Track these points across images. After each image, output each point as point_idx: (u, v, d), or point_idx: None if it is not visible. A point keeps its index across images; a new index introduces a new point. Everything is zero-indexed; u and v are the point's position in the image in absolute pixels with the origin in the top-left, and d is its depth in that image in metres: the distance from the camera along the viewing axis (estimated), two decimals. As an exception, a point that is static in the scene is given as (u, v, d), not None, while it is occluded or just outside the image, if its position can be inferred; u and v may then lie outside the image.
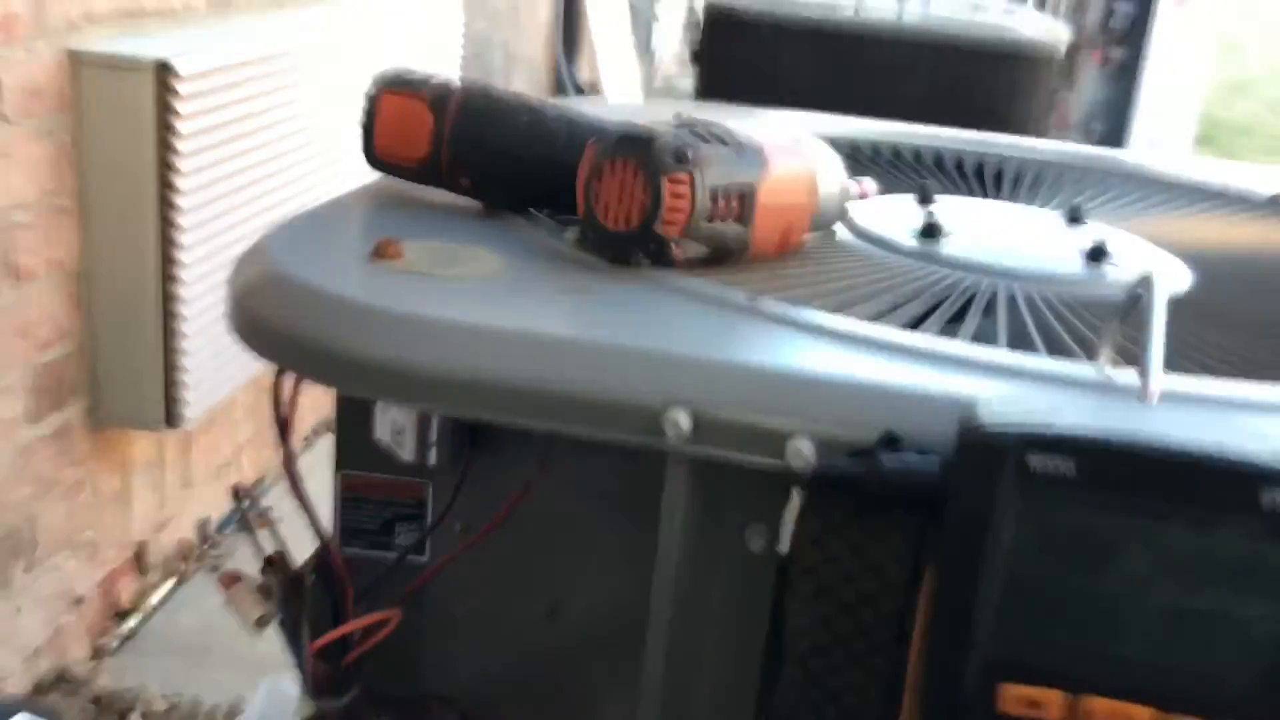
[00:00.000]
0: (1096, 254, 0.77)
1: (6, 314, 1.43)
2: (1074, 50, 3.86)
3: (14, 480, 1.48)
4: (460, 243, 0.65)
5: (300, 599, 0.63)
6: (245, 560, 2.02)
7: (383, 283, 0.59)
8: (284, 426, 0.64)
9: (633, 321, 0.57)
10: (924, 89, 1.98)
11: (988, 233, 0.83)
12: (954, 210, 0.86)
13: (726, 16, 2.10)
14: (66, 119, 1.47)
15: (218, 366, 1.69)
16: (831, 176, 0.71)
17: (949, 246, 0.79)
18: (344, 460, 0.82)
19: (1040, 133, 2.10)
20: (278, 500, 0.69)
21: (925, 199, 0.88)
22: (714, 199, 0.62)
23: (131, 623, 1.74)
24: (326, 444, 1.91)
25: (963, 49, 1.95)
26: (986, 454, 0.45)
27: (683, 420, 0.52)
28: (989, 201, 0.94)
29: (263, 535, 0.68)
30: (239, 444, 2.05)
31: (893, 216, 0.84)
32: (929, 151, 1.07)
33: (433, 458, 0.75)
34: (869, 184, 0.80)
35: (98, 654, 1.68)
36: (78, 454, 1.60)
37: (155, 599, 1.80)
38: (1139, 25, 3.86)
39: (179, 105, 1.49)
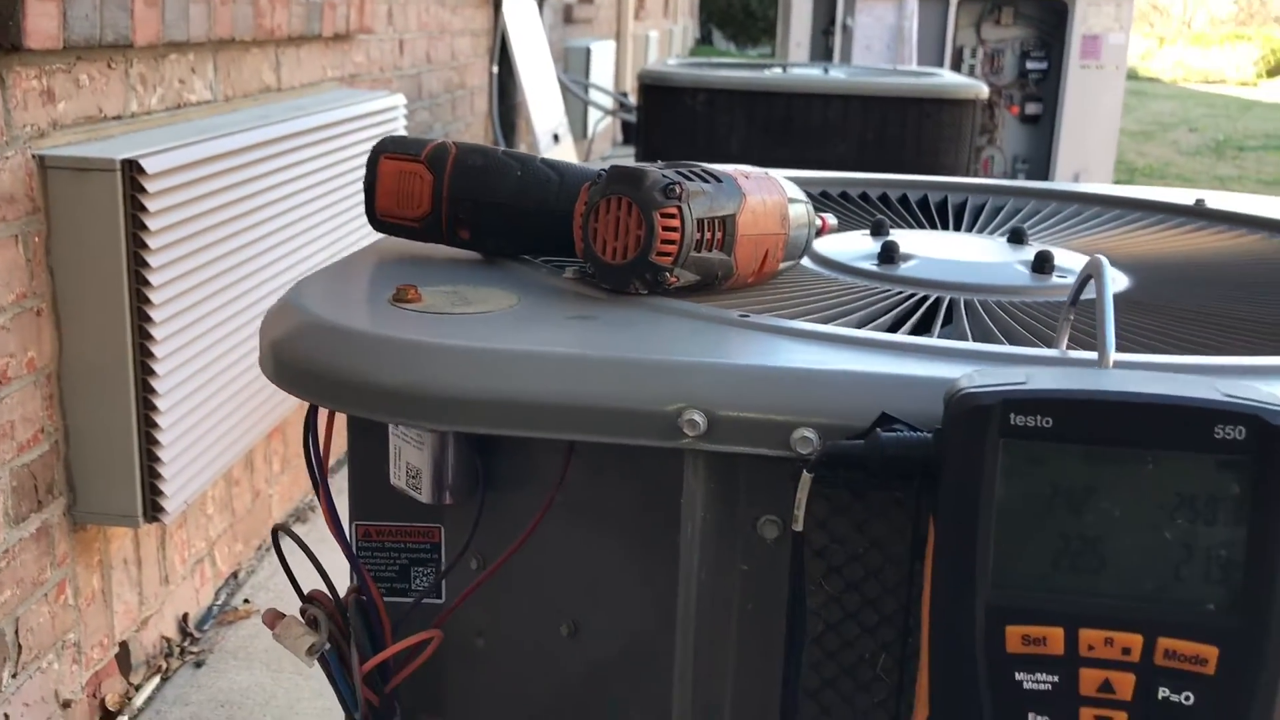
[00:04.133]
0: (1041, 264, 0.85)
1: (-12, 415, 1.45)
2: (992, 105, 4.05)
3: None
4: (470, 286, 0.71)
5: (345, 628, 0.67)
6: (225, 655, 2.01)
7: (409, 320, 0.64)
8: (321, 465, 0.68)
9: (640, 337, 0.63)
10: (854, 142, 2.09)
11: (940, 255, 0.90)
12: (906, 239, 0.93)
13: (660, 86, 2.20)
14: (38, 222, 1.51)
15: (195, 457, 1.72)
16: (799, 208, 0.78)
17: (907, 269, 0.86)
18: (359, 511, 0.85)
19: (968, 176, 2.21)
20: (309, 538, 0.73)
21: (878, 231, 0.96)
22: (700, 229, 0.68)
23: (118, 723, 1.73)
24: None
25: (889, 100, 2.07)
26: (972, 415, 0.51)
27: (699, 419, 0.58)
28: (936, 231, 1.02)
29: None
30: (212, 539, 2.05)
31: (851, 247, 0.91)
32: (874, 192, 1.15)
33: (448, 497, 0.80)
34: (829, 219, 0.87)
35: (86, 757, 1.66)
36: (59, 554, 1.60)
37: (140, 699, 1.79)
38: (1051, 80, 4.06)
39: (148, 202, 1.54)
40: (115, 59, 1.64)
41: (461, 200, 0.75)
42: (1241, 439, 0.49)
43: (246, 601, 2.07)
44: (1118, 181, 4.97)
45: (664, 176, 0.67)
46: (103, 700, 1.73)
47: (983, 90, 2.34)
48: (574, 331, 0.64)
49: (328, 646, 0.66)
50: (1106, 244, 0.97)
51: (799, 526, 0.56)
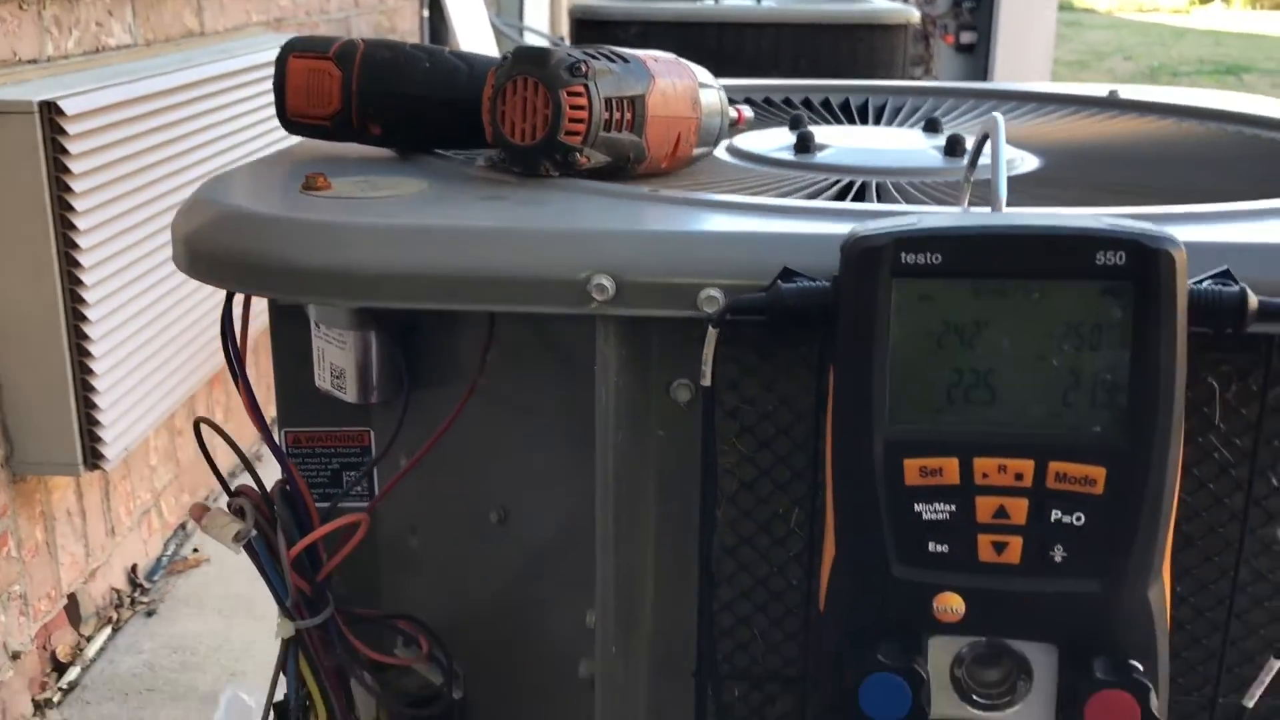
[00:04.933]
0: (952, 147, 0.87)
1: (-85, 364, 1.43)
2: (926, 34, 4.07)
3: (-62, 531, 1.47)
4: (381, 175, 0.71)
5: (272, 516, 0.67)
6: (177, 603, 2.00)
7: (319, 204, 0.64)
8: (239, 358, 0.69)
9: (550, 212, 0.64)
10: (786, 69, 2.09)
11: (855, 145, 0.91)
12: (823, 133, 0.95)
13: (592, 18, 2.18)
14: (-44, 168, 1.48)
15: (134, 404, 1.70)
16: (711, 94, 0.79)
17: (822, 157, 0.87)
18: (286, 417, 0.86)
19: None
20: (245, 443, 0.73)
21: (795, 125, 0.97)
22: (609, 109, 0.69)
23: (72, 674, 1.73)
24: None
25: (819, 27, 2.07)
26: (865, 256, 0.52)
27: (607, 284, 0.59)
28: (855, 127, 1.04)
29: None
30: (157, 490, 2.04)
31: (769, 140, 0.92)
32: (797, 95, 1.16)
33: (374, 396, 0.80)
34: (745, 110, 0.88)
35: (40, 708, 1.66)
36: (-1, 505, 1.59)
37: (93, 650, 1.79)
38: (984, 8, 4.08)
39: (69, 145, 1.51)
40: (26, 0, 1.61)
41: (371, 94, 0.75)
42: (1122, 264, 0.51)
43: (195, 550, 2.06)
44: (1055, 114, 5.01)
45: (569, 55, 0.68)
46: (53, 652, 1.73)
47: (914, 15, 2.35)
48: (485, 209, 0.64)
49: (254, 534, 0.66)
50: (1020, 131, 0.99)
51: (707, 381, 0.58)
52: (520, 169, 0.70)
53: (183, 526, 2.12)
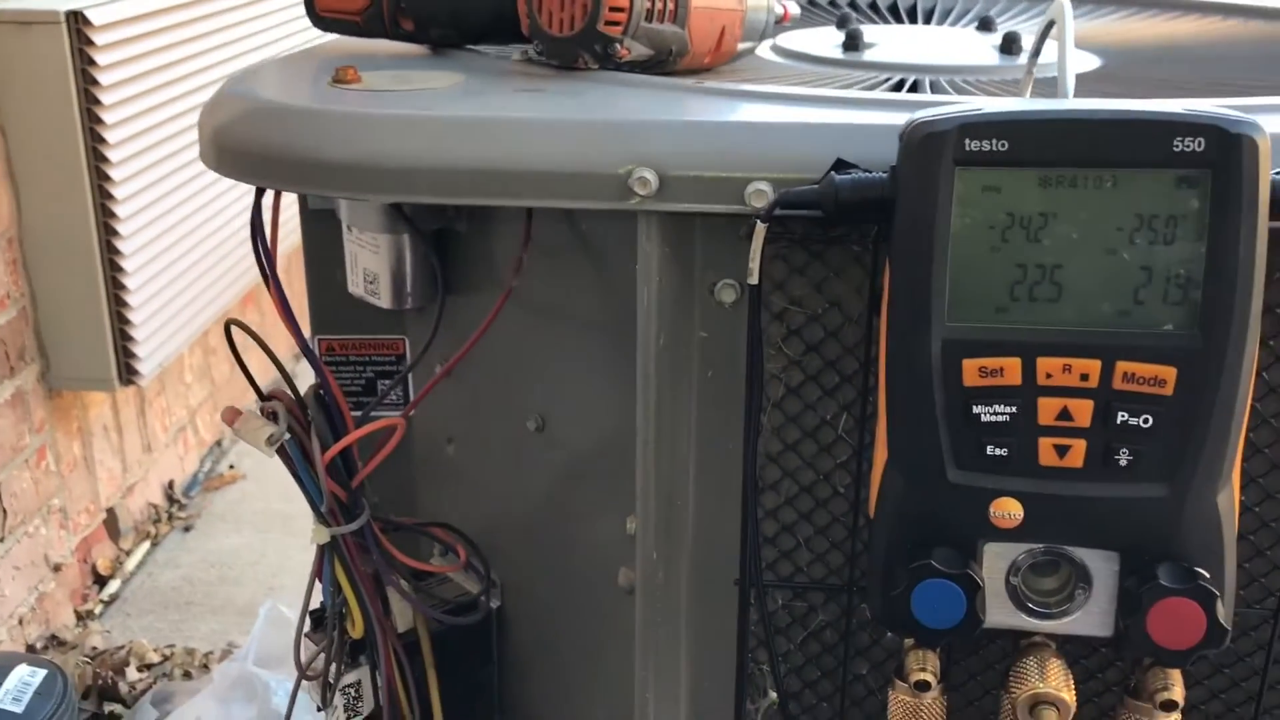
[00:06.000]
0: (1008, 45, 0.83)
1: (-51, 277, 1.43)
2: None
3: (-23, 445, 1.49)
4: (414, 70, 0.69)
5: (305, 421, 0.66)
6: (214, 519, 2.01)
7: (349, 96, 0.62)
8: (270, 258, 0.67)
9: (589, 104, 0.61)
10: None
11: (907, 44, 0.87)
12: (872, 32, 0.90)
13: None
14: (-16, 79, 1.46)
15: (167, 319, 1.70)
16: (756, -15, 0.75)
17: (872, 55, 0.83)
18: (320, 325, 0.84)
19: None
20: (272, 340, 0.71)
21: (843, 24, 0.93)
22: (650, -2, 0.66)
23: (113, 587, 1.75)
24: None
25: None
26: (927, 143, 0.49)
27: (649, 177, 0.56)
28: (905, 25, 0.99)
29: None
30: (192, 407, 2.05)
31: (815, 39, 0.88)
32: (842, -3, 1.11)
33: (409, 301, 0.78)
34: (791, 5, 0.84)
35: (83, 619, 1.68)
36: (36, 420, 1.60)
37: (132, 563, 1.81)
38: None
39: (97, 56, 1.49)
40: (51, -94, 1.57)
41: (402, -14, 0.72)
42: (1201, 150, 0.48)
43: (231, 467, 2.08)
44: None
45: (609, -59, 0.64)
46: (94, 565, 1.75)
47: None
48: (522, 101, 0.62)
49: (288, 437, 0.65)
50: (1080, 31, 0.95)
51: (754, 280, 0.55)
52: (558, 61, 0.67)
53: (218, 443, 2.14)
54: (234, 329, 0.65)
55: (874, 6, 1.09)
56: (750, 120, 0.58)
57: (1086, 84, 0.76)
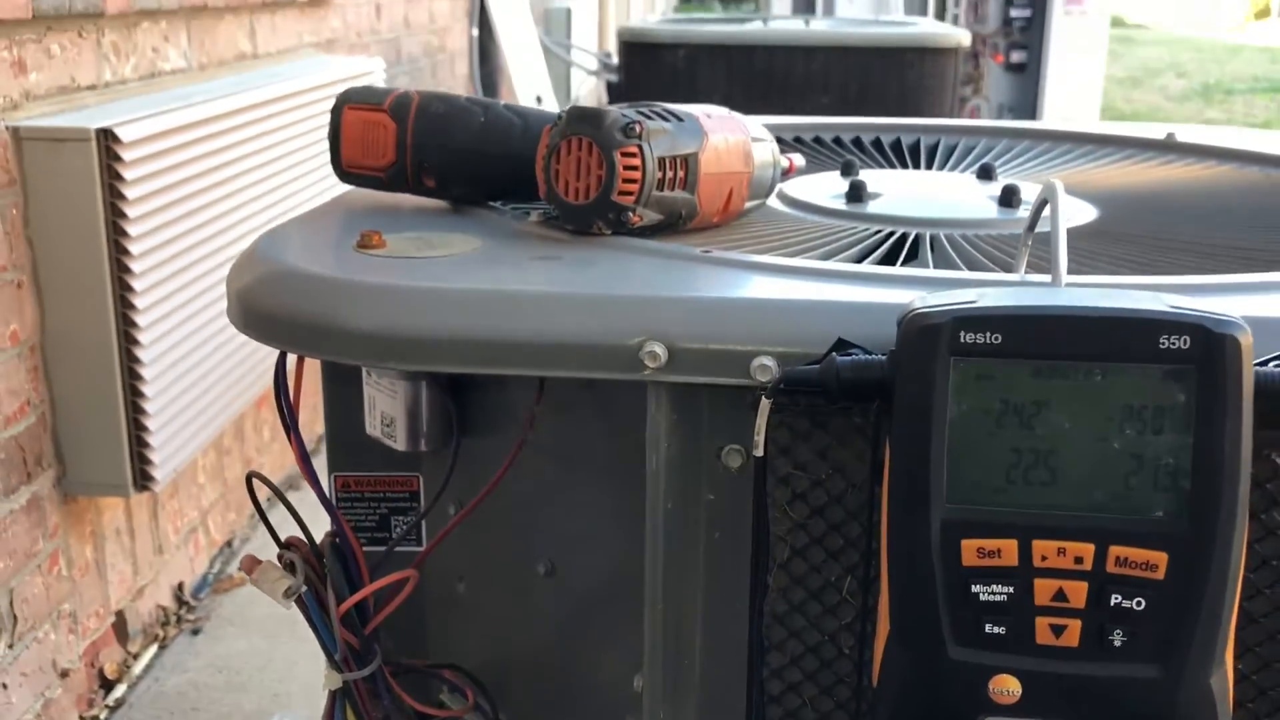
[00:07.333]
0: (1007, 198, 0.86)
1: (-27, 388, 1.45)
2: (976, 53, 4.03)
3: (-8, 553, 1.50)
4: (435, 232, 0.72)
5: (322, 571, 0.68)
6: (222, 622, 2.01)
7: (375, 265, 0.65)
8: (292, 413, 0.69)
9: (603, 274, 0.63)
10: (836, 94, 2.08)
11: (908, 193, 0.91)
12: (875, 179, 0.94)
13: (640, 41, 2.18)
14: (14, 194, 1.50)
15: (182, 425, 1.72)
16: (764, 147, 0.78)
17: (874, 206, 0.86)
18: (337, 462, 0.86)
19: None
20: (302, 503, 0.74)
21: (847, 171, 0.96)
22: (662, 168, 0.69)
23: (119, 692, 1.75)
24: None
25: (869, 51, 2.06)
26: (924, 334, 0.51)
27: (659, 351, 0.58)
28: (907, 171, 1.03)
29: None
30: (204, 508, 2.07)
31: (820, 188, 0.92)
32: (848, 135, 1.15)
33: (424, 444, 0.81)
34: (796, 158, 0.87)
35: (87, 724, 1.68)
36: (50, 525, 1.61)
37: (139, 667, 1.81)
38: (1035, 27, 4.04)
39: (124, 171, 1.54)
40: (86, 28, 1.63)
41: (425, 147, 0.76)
42: (1186, 348, 0.50)
43: (240, 570, 2.08)
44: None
45: (624, 116, 0.68)
46: (101, 669, 1.75)
47: (964, 38, 2.33)
48: (538, 271, 0.64)
49: (304, 589, 0.67)
50: (1076, 177, 0.98)
51: (759, 452, 0.57)
52: (573, 226, 0.70)
53: (229, 544, 2.15)
54: (255, 481, 0.67)
55: (877, 145, 1.13)
56: (755, 296, 0.61)
57: (1081, 242, 0.79)
